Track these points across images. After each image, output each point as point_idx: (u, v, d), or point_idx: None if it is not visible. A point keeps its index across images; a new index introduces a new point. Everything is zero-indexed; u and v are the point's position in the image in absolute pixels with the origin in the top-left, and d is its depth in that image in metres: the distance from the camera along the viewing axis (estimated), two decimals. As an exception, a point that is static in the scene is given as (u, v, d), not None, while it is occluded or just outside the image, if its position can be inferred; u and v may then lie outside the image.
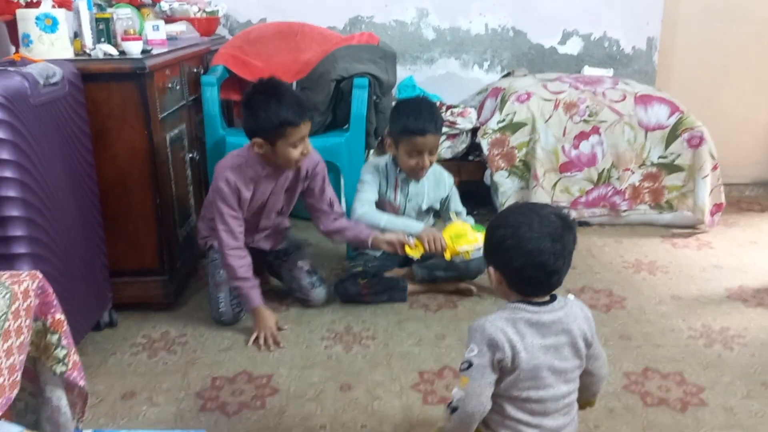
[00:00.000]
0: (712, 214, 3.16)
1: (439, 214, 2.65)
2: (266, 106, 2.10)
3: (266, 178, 2.25)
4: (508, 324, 1.31)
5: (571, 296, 1.40)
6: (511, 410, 1.34)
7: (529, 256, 1.28)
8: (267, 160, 2.20)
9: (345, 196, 2.86)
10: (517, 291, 1.35)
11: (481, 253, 1.98)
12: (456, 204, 2.60)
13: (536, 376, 1.31)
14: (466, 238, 2.26)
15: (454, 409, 1.34)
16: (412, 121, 2.34)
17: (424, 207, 2.54)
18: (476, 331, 1.32)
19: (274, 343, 2.19)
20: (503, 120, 3.16)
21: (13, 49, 2.38)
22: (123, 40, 2.27)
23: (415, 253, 2.28)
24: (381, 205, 2.51)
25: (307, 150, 2.19)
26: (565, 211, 1.36)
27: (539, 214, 1.31)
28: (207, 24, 3.26)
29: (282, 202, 2.38)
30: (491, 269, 1.37)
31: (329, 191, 2.39)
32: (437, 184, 2.55)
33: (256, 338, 2.21)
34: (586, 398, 1.48)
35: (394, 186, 2.52)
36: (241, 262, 2.22)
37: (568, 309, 1.35)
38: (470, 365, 1.31)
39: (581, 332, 1.34)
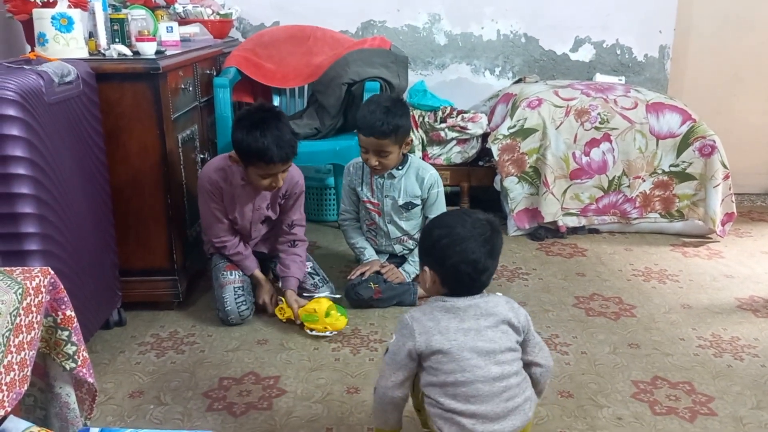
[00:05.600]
0: (723, 223, 3.15)
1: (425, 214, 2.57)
2: (248, 131, 2.12)
3: (244, 188, 2.30)
4: (423, 313, 1.44)
5: (498, 294, 1.50)
6: (444, 400, 1.40)
7: (464, 254, 1.40)
8: (243, 173, 2.25)
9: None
10: (448, 289, 1.45)
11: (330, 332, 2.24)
12: (438, 209, 2.50)
13: (459, 357, 1.39)
14: (316, 323, 2.24)
15: (375, 390, 1.51)
16: (362, 118, 2.36)
17: (401, 202, 2.51)
18: (398, 323, 1.47)
19: (269, 308, 2.38)
20: (514, 126, 3.15)
21: (29, 47, 2.40)
22: (137, 40, 2.28)
23: (279, 315, 2.33)
24: (362, 206, 2.57)
25: (276, 184, 2.22)
26: (492, 216, 1.50)
27: (471, 217, 1.45)
28: (220, 26, 3.28)
29: (264, 216, 2.41)
30: (426, 269, 1.47)
31: (295, 213, 2.44)
32: (416, 181, 2.50)
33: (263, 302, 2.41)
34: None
35: (369, 183, 2.52)
36: (231, 243, 2.39)
37: (489, 298, 1.46)
38: (386, 351, 1.48)
39: (505, 317, 1.43)
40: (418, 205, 2.53)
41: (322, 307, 2.24)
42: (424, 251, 1.49)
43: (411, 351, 1.41)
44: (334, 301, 2.32)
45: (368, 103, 2.41)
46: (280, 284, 2.44)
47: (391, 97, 2.48)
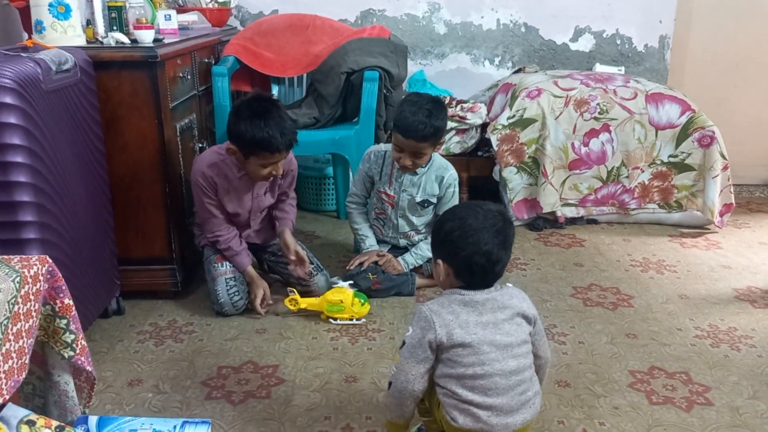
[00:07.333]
0: (722, 214, 3.15)
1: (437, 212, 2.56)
2: (250, 122, 2.10)
3: (241, 180, 2.28)
4: (442, 306, 1.43)
5: (509, 284, 1.50)
6: (461, 392, 1.40)
7: (477, 245, 1.40)
8: (240, 165, 2.24)
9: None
10: (463, 281, 1.45)
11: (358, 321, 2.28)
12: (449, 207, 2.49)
13: (478, 351, 1.39)
14: (342, 313, 2.28)
15: (389, 385, 1.49)
16: (403, 118, 2.28)
17: (418, 199, 2.49)
18: (415, 315, 1.46)
19: (261, 306, 2.33)
20: (513, 116, 3.15)
21: (26, 35, 2.39)
22: (135, 28, 2.27)
23: (291, 306, 2.31)
24: (376, 194, 2.55)
25: (277, 172, 2.22)
26: (504, 208, 1.45)
27: (482, 209, 1.45)
28: (219, 15, 3.26)
29: (265, 203, 2.41)
30: (440, 262, 1.47)
31: (290, 190, 2.49)
32: (435, 179, 2.48)
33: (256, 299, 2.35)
34: None
35: (389, 174, 2.50)
36: (224, 238, 2.35)
37: (504, 291, 1.47)
38: (403, 344, 1.46)
39: (520, 309, 1.45)
40: (433, 204, 2.52)
41: (348, 296, 2.27)
42: (437, 244, 1.49)
43: (431, 342, 1.40)
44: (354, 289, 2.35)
45: (408, 103, 2.30)
46: (276, 277, 2.46)
47: (431, 98, 2.36)
